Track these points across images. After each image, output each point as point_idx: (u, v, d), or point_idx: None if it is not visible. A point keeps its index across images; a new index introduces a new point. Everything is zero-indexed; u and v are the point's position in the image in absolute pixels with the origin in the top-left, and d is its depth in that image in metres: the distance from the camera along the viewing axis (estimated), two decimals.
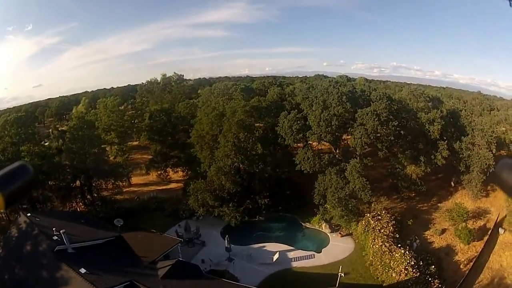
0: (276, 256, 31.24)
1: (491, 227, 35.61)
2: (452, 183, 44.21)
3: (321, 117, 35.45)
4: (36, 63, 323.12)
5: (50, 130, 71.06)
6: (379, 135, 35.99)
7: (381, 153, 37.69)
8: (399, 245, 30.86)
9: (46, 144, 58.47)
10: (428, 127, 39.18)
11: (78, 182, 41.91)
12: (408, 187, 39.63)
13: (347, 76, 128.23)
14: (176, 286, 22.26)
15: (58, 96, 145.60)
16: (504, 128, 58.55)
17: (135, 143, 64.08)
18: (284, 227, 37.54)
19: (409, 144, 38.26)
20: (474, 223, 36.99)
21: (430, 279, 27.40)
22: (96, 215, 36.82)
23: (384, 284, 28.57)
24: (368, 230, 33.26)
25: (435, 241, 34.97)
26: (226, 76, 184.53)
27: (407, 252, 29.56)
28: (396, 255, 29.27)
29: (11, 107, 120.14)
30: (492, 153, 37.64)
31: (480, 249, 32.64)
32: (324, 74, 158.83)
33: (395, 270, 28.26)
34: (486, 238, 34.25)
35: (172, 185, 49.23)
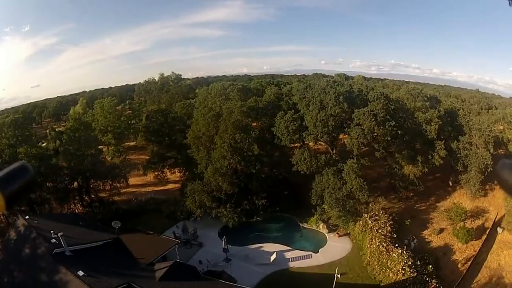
0: (273, 257, 31.36)
1: (490, 226, 35.59)
2: (450, 182, 44.35)
3: (317, 117, 35.50)
4: (34, 64, 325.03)
5: (48, 131, 71.35)
6: (376, 135, 36.01)
7: (378, 153, 37.83)
8: (397, 245, 30.90)
9: (43, 145, 58.97)
10: (426, 127, 39.16)
11: (75, 184, 42.00)
12: (405, 187, 39.60)
13: (345, 75, 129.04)
14: None
15: (56, 96, 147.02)
16: (502, 127, 58.47)
17: (132, 143, 64.05)
18: (282, 227, 37.62)
19: (406, 144, 38.29)
20: (473, 222, 37.02)
21: (427, 278, 27.40)
22: (94, 216, 37.04)
23: (382, 284, 28.65)
24: (365, 230, 33.36)
25: (433, 240, 35.00)
26: (224, 75, 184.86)
27: (404, 252, 29.58)
28: (394, 255, 29.33)
29: (9, 107, 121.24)
30: (490, 152, 37.72)
31: (478, 249, 32.62)
32: (322, 73, 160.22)
33: (393, 270, 28.34)
34: (484, 237, 34.25)
35: (170, 186, 49.38)
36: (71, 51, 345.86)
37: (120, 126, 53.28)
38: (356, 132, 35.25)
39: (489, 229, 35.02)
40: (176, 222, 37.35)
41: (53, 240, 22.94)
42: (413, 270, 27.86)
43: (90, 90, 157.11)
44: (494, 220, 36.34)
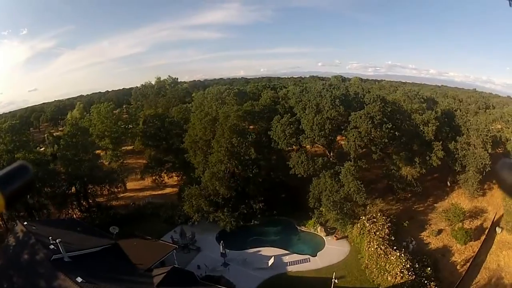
0: (271, 261, 31.41)
1: (488, 227, 35.48)
2: (448, 182, 44.24)
3: (314, 121, 35.52)
4: (31, 67, 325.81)
5: (46, 136, 71.86)
6: (373, 137, 35.86)
7: (376, 155, 37.78)
8: (395, 247, 30.94)
9: (41, 149, 59.51)
10: (423, 128, 39.23)
11: (73, 189, 42.06)
12: (403, 188, 39.64)
13: (342, 76, 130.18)
14: None
15: (53, 100, 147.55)
16: (500, 126, 58.61)
17: (129, 147, 64.03)
18: (280, 231, 37.63)
19: (403, 146, 38.27)
20: (471, 222, 36.92)
21: (426, 281, 27.37)
22: (92, 222, 37.00)
23: (380, 287, 28.62)
24: (363, 233, 33.36)
25: (432, 242, 34.94)
26: (221, 78, 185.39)
27: (402, 254, 29.60)
28: (392, 258, 29.33)
29: (7, 112, 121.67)
30: (487, 152, 37.72)
31: (477, 249, 32.51)
32: (319, 75, 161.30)
33: (391, 273, 28.37)
34: (483, 238, 34.13)
35: (168, 190, 49.40)
36: (69, 54, 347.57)
37: (117, 131, 53.28)
38: (353, 135, 35.25)
39: (487, 230, 34.93)
40: (174, 227, 37.36)
41: (52, 246, 23.08)
42: (411, 273, 27.87)
43: (88, 94, 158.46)
44: (493, 220, 36.19)
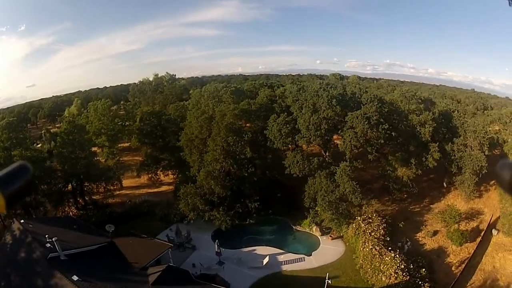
0: (266, 260, 31.50)
1: (484, 229, 35.49)
2: (444, 183, 44.36)
3: (310, 120, 35.39)
4: (29, 63, 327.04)
5: (43, 132, 72.29)
6: (369, 138, 35.84)
7: (371, 156, 37.68)
8: (390, 248, 30.94)
9: (38, 146, 59.95)
10: (420, 129, 39.17)
11: (69, 186, 42.16)
12: (399, 189, 39.62)
13: (340, 74, 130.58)
14: None
15: (51, 96, 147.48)
16: (497, 128, 59.25)
17: (126, 144, 63.95)
18: (275, 230, 37.62)
19: (400, 146, 38.17)
20: (467, 224, 36.97)
21: (420, 282, 27.36)
22: (88, 219, 37.04)
23: None
24: (358, 233, 33.38)
25: (427, 243, 34.92)
26: (219, 75, 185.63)
27: (397, 255, 29.55)
28: (386, 258, 29.32)
29: (5, 108, 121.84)
30: (484, 154, 37.76)
31: (473, 251, 32.48)
32: (317, 73, 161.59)
33: (385, 274, 28.36)
34: (479, 239, 34.10)
35: (164, 188, 49.43)
36: (67, 50, 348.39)
37: (114, 129, 53.41)
38: (349, 135, 35.14)
39: (483, 231, 34.90)
40: (169, 225, 37.47)
41: (48, 245, 23.17)
42: (405, 274, 27.85)
43: (85, 90, 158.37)
44: (489, 222, 36.22)
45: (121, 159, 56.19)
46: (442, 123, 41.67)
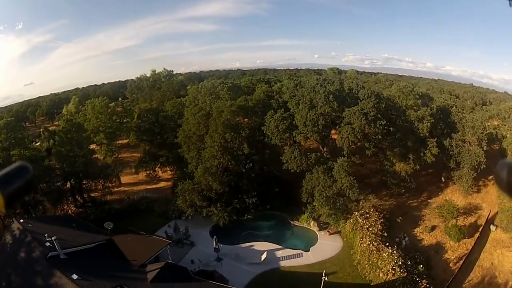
0: (264, 256, 31.47)
1: (482, 224, 35.20)
2: (442, 178, 44.12)
3: (307, 116, 35.10)
4: (27, 61, 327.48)
5: (41, 131, 72.65)
6: (366, 133, 35.59)
7: (369, 151, 37.32)
8: (387, 244, 30.72)
9: (37, 144, 60.39)
10: (417, 125, 38.82)
11: (68, 185, 42.29)
12: (397, 184, 39.39)
13: (338, 69, 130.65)
14: None
15: (49, 93, 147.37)
16: (496, 123, 58.51)
17: (125, 141, 63.83)
18: (273, 225, 37.54)
19: (397, 142, 37.88)
20: (465, 219, 36.75)
21: (417, 279, 27.19)
22: (87, 217, 37.14)
23: (372, 284, 28.49)
24: (356, 229, 33.13)
25: (425, 238, 34.73)
26: (217, 70, 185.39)
27: (394, 251, 29.45)
28: (384, 254, 29.17)
29: (3, 106, 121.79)
30: (483, 149, 37.43)
31: (471, 247, 32.18)
32: (315, 67, 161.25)
33: (382, 270, 28.23)
34: (477, 235, 33.81)
35: (162, 184, 49.48)
36: (64, 47, 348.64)
37: (111, 126, 53.17)
38: (347, 131, 34.82)
39: (482, 227, 34.64)
40: (168, 221, 37.42)
41: (48, 244, 23.40)
42: (403, 270, 27.72)
43: (83, 87, 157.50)
44: (487, 218, 35.89)
45: (119, 156, 56.15)
46: (440, 118, 41.32)
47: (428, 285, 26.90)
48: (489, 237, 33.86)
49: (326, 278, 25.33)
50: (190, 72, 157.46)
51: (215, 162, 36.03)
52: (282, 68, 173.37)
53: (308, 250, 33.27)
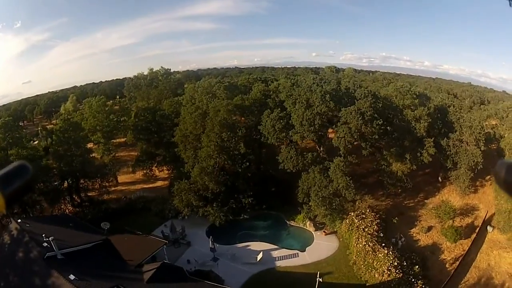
0: (260, 256, 31.37)
1: (479, 225, 35.04)
2: (439, 178, 43.88)
3: (303, 116, 34.82)
4: (25, 60, 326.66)
5: (39, 129, 73.14)
6: (363, 133, 35.34)
7: (365, 151, 37.15)
8: (383, 244, 30.52)
9: (35, 143, 60.83)
10: (414, 125, 38.46)
11: (65, 184, 42.21)
12: (393, 184, 39.12)
13: (335, 67, 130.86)
14: None
15: (47, 92, 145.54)
16: (494, 122, 58.40)
17: (122, 140, 63.63)
18: (269, 225, 37.45)
19: (394, 141, 37.57)
20: (462, 220, 36.56)
21: (413, 279, 27.01)
22: (84, 217, 37.05)
23: (368, 284, 28.39)
24: (352, 229, 32.96)
25: (421, 239, 34.62)
26: (214, 68, 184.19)
27: (390, 252, 29.22)
28: (380, 255, 29.01)
29: (1, 105, 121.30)
30: (480, 150, 37.18)
31: (467, 248, 32.00)
32: (313, 65, 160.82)
33: (378, 271, 28.10)
34: (473, 236, 33.57)
35: (159, 183, 49.32)
36: (63, 46, 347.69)
37: (109, 125, 52.93)
38: (343, 131, 34.49)
39: (478, 228, 34.42)
40: (164, 221, 37.41)
41: (45, 244, 23.48)
42: (399, 271, 27.55)
43: (81, 85, 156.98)
44: (484, 219, 35.69)
45: (117, 154, 55.72)
46: (437, 118, 40.95)
47: (424, 286, 26.83)
48: (486, 238, 33.71)
49: (321, 280, 25.21)
50: (188, 70, 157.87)
51: (211, 161, 35.78)
52: (280, 67, 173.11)
53: (304, 250, 33.22)
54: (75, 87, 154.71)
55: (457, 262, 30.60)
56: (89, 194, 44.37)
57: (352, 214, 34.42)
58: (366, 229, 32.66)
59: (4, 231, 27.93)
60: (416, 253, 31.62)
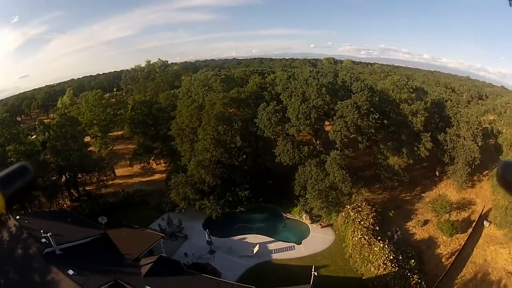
0: (256, 249, 31.39)
1: (476, 220, 34.72)
2: (436, 172, 43.51)
3: (299, 109, 34.47)
4: (22, 54, 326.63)
5: (36, 124, 73.34)
6: (359, 126, 35.07)
7: (362, 145, 36.80)
8: (379, 238, 30.30)
9: (33, 137, 61.02)
10: (411, 119, 38.09)
11: (63, 179, 42.03)
12: (390, 178, 38.85)
13: (334, 59, 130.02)
14: (158, 283, 22.85)
15: (44, 85, 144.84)
16: (492, 118, 57.91)
17: (119, 133, 63.37)
18: (265, 218, 37.31)
19: (391, 135, 37.26)
20: (458, 214, 36.36)
21: (409, 273, 26.87)
22: (82, 211, 37.08)
23: (363, 277, 28.33)
24: (348, 222, 32.77)
25: (417, 232, 34.37)
26: (212, 59, 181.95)
27: (386, 245, 29.06)
28: (375, 248, 28.84)
29: None
30: (477, 145, 36.93)
31: (463, 242, 31.77)
32: (311, 57, 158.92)
33: (374, 264, 27.99)
34: (470, 231, 33.30)
35: (156, 176, 49.25)
36: (60, 39, 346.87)
37: (106, 119, 52.71)
38: (339, 124, 34.19)
39: (475, 223, 34.16)
40: (161, 214, 37.37)
41: (43, 240, 23.76)
42: (394, 265, 27.38)
43: (78, 78, 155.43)
44: (481, 213, 35.44)
45: (114, 148, 55.55)
46: (434, 112, 40.50)
47: (419, 280, 26.58)
48: (482, 233, 33.41)
49: (316, 273, 25.12)
50: (186, 62, 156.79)
51: (207, 155, 35.54)
52: (278, 58, 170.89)
53: (300, 243, 33.14)
54: (72, 80, 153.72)
55: (453, 257, 30.32)
56: (87, 188, 44.07)
57: (348, 207, 34.16)
58: (362, 222, 32.47)
59: (3, 228, 28.04)
60: (412, 247, 31.39)
